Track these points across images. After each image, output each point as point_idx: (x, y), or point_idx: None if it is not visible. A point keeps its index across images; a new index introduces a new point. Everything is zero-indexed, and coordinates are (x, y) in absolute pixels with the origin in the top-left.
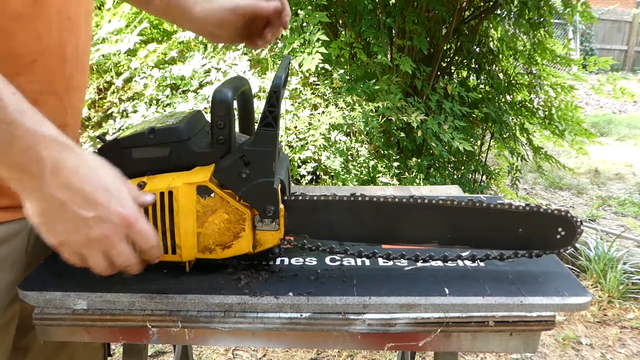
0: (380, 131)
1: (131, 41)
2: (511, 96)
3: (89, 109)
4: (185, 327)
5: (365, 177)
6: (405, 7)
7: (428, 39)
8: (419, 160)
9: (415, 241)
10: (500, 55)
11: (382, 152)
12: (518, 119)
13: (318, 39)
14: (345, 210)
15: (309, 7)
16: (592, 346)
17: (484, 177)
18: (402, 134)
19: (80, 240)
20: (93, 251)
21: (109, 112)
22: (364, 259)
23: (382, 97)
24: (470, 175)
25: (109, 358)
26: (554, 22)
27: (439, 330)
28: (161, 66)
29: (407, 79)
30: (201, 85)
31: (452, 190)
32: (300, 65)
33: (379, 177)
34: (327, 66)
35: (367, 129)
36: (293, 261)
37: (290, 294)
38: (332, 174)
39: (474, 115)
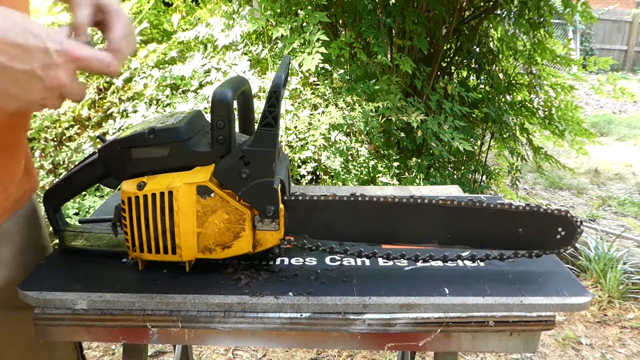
0: (380, 131)
1: None
2: (511, 96)
3: (89, 109)
4: (185, 327)
5: (365, 177)
6: (405, 7)
7: (428, 39)
8: (419, 160)
9: (415, 241)
10: (500, 55)
11: (382, 152)
12: (518, 119)
13: (318, 39)
14: (345, 210)
15: (309, 7)
16: (592, 346)
17: (484, 177)
18: (402, 134)
19: (37, 95)
20: (52, 98)
21: (109, 112)
22: (364, 259)
23: (382, 97)
24: (470, 175)
25: None
26: (554, 22)
27: (439, 330)
28: (161, 66)
29: (407, 79)
30: (201, 85)
31: (452, 190)
32: (300, 65)
33: (379, 177)
34: (327, 66)
35: (367, 129)
36: (293, 261)
37: (290, 294)
38: (332, 174)
39: (474, 115)
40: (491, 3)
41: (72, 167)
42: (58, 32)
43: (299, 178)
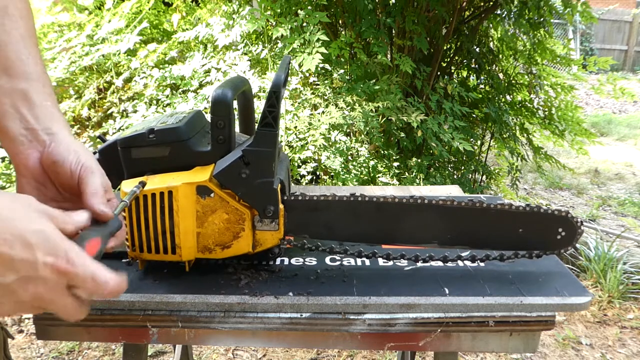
0: (380, 131)
1: (131, 41)
2: (511, 96)
3: (89, 109)
4: (185, 327)
5: (365, 177)
6: (405, 7)
7: (428, 39)
8: (419, 160)
9: (415, 241)
10: (500, 55)
11: (382, 152)
12: (518, 119)
13: (318, 39)
14: (345, 210)
15: (309, 7)
16: (592, 346)
17: (484, 177)
18: (402, 134)
19: (9, 308)
20: (30, 311)
21: (109, 112)
22: (364, 259)
23: (382, 97)
24: (470, 175)
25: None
26: (554, 22)
27: (439, 330)
28: (161, 66)
29: (407, 79)
30: (201, 85)
31: (452, 190)
32: (300, 65)
33: (379, 177)
34: (327, 66)
35: (367, 129)
36: (293, 261)
37: (290, 294)
38: (332, 174)
39: (474, 115)
40: (491, 3)
41: None
42: (58, 224)
43: (299, 178)
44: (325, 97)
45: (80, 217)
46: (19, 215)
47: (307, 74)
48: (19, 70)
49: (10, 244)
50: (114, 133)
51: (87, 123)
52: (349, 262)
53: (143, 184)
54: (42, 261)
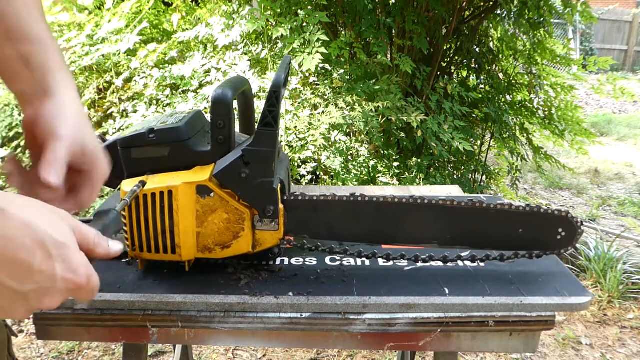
0: (380, 131)
1: (131, 41)
2: (511, 96)
3: (89, 109)
4: (185, 327)
5: (365, 177)
6: (405, 7)
7: (428, 39)
8: (419, 160)
9: (415, 241)
10: (500, 55)
11: (382, 152)
12: (518, 119)
13: (318, 39)
14: (345, 210)
15: (309, 7)
16: (592, 346)
17: (484, 177)
18: (402, 134)
19: (20, 314)
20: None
21: (109, 112)
22: (364, 259)
23: (382, 97)
24: (470, 175)
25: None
26: (554, 22)
27: (439, 330)
28: (161, 66)
29: (407, 79)
30: (201, 85)
31: (452, 190)
32: (300, 65)
33: (379, 177)
34: (327, 66)
35: (367, 129)
36: (293, 261)
37: (290, 294)
38: (332, 174)
39: (474, 115)
40: (491, 3)
41: None
42: (79, 235)
43: (299, 178)
44: (325, 97)
45: (116, 248)
46: (46, 224)
47: (307, 74)
48: (20, 35)
49: (32, 251)
50: (114, 133)
51: None
52: (349, 262)
53: (143, 183)
54: (60, 276)
